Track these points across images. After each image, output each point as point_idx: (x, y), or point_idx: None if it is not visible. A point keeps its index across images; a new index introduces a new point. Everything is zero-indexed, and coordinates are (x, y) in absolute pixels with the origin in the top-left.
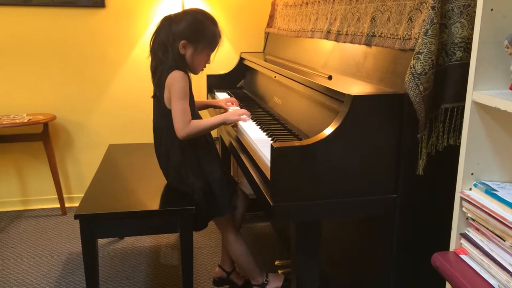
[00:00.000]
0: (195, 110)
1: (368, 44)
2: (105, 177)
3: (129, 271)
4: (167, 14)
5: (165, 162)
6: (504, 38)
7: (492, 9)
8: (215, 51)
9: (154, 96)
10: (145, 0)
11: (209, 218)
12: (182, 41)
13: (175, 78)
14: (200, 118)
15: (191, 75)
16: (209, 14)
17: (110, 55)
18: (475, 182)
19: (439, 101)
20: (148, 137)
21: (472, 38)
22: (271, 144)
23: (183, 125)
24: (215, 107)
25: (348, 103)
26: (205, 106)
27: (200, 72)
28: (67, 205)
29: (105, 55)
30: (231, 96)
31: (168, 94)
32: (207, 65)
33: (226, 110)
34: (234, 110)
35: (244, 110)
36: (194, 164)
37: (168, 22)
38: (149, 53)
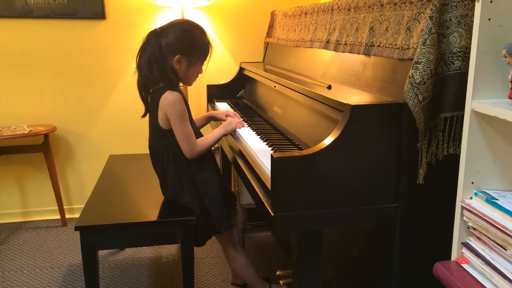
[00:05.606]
0: (194, 126)
1: (367, 53)
2: (106, 188)
3: (130, 282)
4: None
5: (162, 179)
6: (501, 47)
7: (489, 19)
8: (207, 60)
9: (144, 116)
10: (145, 11)
11: (207, 237)
12: (177, 56)
13: (170, 100)
14: (199, 132)
15: (187, 88)
16: (196, 23)
17: (110, 66)
18: (475, 191)
19: (439, 110)
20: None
21: (470, 48)
22: (271, 154)
23: (191, 147)
24: (216, 119)
25: (347, 112)
26: (207, 120)
27: (194, 83)
28: (67, 216)
29: (106, 67)
30: (231, 106)
31: (163, 115)
32: (202, 75)
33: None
34: (229, 119)
35: (238, 119)
36: (189, 184)
37: (154, 37)
38: (136, 69)
